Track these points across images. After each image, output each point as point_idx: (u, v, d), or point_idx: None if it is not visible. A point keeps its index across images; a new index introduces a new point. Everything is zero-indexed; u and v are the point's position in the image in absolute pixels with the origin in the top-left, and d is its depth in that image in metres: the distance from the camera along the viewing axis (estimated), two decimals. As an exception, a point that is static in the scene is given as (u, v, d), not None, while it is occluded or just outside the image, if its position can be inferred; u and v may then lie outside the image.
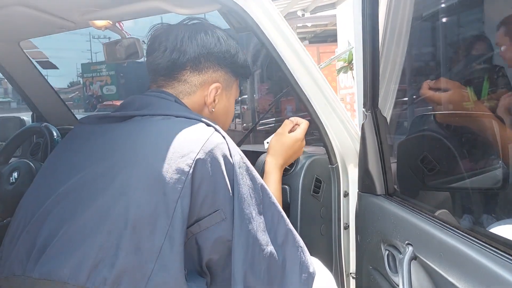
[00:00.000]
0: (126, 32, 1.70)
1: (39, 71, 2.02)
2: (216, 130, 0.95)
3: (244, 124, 11.04)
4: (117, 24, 1.59)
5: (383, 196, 1.21)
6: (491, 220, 1.07)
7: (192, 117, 0.97)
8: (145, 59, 1.14)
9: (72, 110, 2.31)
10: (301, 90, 1.33)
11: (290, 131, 1.30)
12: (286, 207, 1.46)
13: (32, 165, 1.59)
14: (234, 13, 1.23)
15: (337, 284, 1.39)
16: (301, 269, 0.97)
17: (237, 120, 11.83)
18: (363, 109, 1.25)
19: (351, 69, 6.37)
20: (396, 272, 1.05)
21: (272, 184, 1.21)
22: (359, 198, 1.32)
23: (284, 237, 0.97)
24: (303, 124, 1.32)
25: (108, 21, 1.49)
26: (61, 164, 1.00)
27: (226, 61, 1.10)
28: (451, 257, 0.79)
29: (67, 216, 0.86)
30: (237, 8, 1.17)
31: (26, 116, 2.47)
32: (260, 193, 0.95)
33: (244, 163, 0.94)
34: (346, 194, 1.48)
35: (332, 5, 7.51)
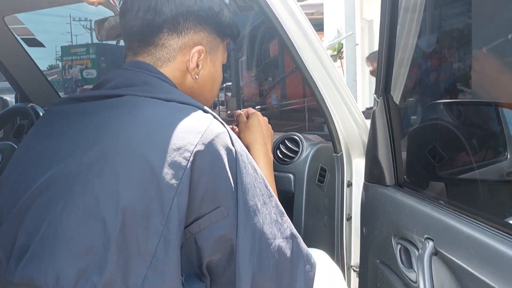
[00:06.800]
0: (119, 9, 1.60)
1: (24, 48, 1.92)
2: (214, 117, 0.86)
3: (229, 112, 10.97)
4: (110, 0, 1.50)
5: (393, 186, 1.16)
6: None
7: (186, 101, 0.87)
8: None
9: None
10: (308, 72, 1.27)
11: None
12: (291, 196, 1.41)
13: (16, 147, 1.51)
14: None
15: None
16: (305, 261, 0.92)
17: (221, 107, 11.77)
18: (375, 95, 1.20)
19: (340, 58, 6.34)
20: (410, 267, 1.00)
21: (263, 170, 1.11)
22: (366, 188, 1.27)
23: (289, 229, 0.90)
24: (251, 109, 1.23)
25: (102, -5, 1.41)
26: (40, 150, 0.88)
27: (209, 21, 0.97)
28: (483, 254, 0.74)
29: (48, 213, 0.77)
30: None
31: (10, 97, 2.37)
32: (263, 183, 0.88)
33: (245, 151, 0.87)
34: (350, 184, 1.43)
35: (320, -7, 7.46)
